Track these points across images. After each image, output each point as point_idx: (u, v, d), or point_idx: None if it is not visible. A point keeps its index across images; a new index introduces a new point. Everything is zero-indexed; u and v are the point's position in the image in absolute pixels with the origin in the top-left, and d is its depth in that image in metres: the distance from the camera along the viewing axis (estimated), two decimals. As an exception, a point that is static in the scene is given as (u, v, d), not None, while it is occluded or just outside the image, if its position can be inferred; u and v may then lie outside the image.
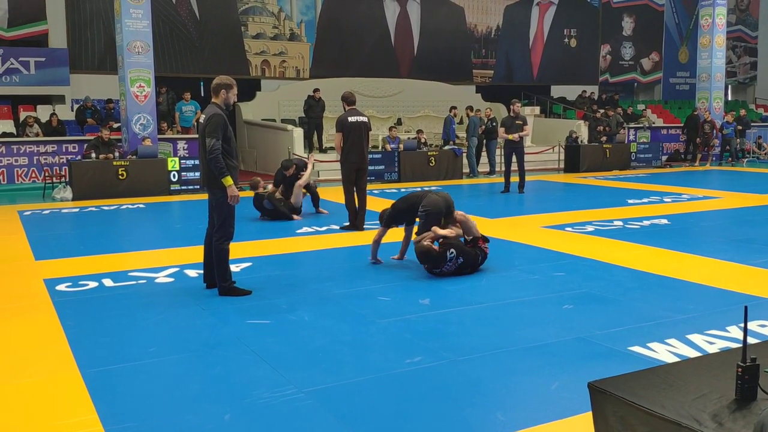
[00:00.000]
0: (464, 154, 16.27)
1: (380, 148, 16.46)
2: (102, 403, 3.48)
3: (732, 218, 9.40)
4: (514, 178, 12.76)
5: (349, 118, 8.40)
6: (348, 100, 8.61)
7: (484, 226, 8.06)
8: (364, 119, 8.57)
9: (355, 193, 8.61)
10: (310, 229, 8.71)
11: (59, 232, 9.24)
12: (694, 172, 17.39)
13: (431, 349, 4.24)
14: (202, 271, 5.87)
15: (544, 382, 3.71)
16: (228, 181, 5.34)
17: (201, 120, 5.46)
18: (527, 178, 13.06)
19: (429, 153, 15.68)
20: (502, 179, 13.37)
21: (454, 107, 17.64)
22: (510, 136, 12.52)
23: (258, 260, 6.89)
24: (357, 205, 8.59)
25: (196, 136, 15.27)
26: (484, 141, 16.68)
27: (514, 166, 12.74)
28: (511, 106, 12.94)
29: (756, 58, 28.28)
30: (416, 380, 3.76)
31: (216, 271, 5.57)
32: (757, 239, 7.76)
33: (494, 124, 16.77)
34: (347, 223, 8.66)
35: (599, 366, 3.81)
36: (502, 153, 16.71)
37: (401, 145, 15.53)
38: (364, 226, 8.55)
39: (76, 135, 15.22)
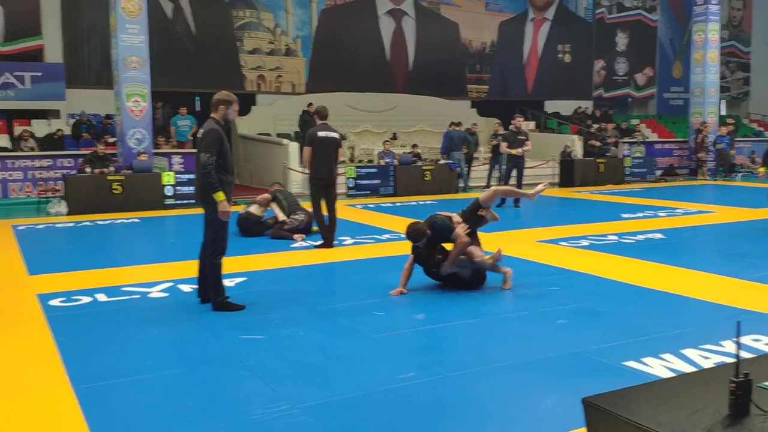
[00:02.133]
0: (458, 169, 16.31)
1: (375, 162, 16.51)
2: (94, 419, 3.46)
3: (726, 232, 9.42)
4: None
5: (319, 133, 8.16)
6: (320, 114, 8.38)
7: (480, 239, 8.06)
8: (335, 135, 8.34)
9: (325, 208, 8.34)
10: (304, 244, 8.69)
11: (53, 246, 9.21)
12: (689, 186, 17.45)
13: (425, 364, 4.23)
14: (196, 286, 5.85)
15: (538, 398, 3.70)
16: (220, 196, 5.32)
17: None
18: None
19: (424, 167, 15.70)
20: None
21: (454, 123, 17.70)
22: (514, 151, 12.60)
23: (252, 275, 6.87)
24: (328, 221, 8.38)
25: (192, 150, 15.44)
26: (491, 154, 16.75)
27: (512, 180, 12.71)
28: (513, 121, 13.00)
29: (749, 74, 28.47)
30: (410, 396, 3.75)
31: (209, 286, 5.55)
32: (750, 253, 7.78)
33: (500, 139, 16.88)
34: (321, 242, 8.38)
35: (594, 381, 3.80)
36: (495, 167, 16.86)
37: (396, 160, 15.56)
38: (334, 242, 8.39)
39: (72, 149, 15.22)
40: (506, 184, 12.72)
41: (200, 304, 5.69)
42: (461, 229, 6.02)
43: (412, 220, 6.36)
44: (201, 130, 5.54)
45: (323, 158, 8.15)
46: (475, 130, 17.80)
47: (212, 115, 5.55)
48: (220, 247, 5.52)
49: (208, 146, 5.31)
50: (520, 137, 12.69)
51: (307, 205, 8.94)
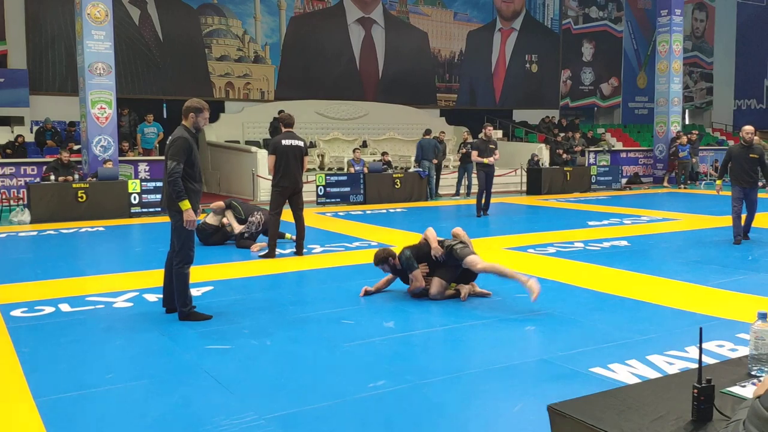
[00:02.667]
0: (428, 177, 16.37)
1: (345, 170, 16.50)
2: (56, 432, 3.39)
3: (690, 239, 9.58)
4: (472, 201, 12.84)
5: (283, 141, 8.06)
6: (285, 122, 8.29)
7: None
8: (299, 143, 8.20)
9: (292, 218, 8.31)
10: (263, 253, 8.62)
11: (15, 256, 9.02)
12: (654, 194, 17.73)
13: (395, 372, 4.22)
14: (161, 296, 5.77)
15: (506, 405, 3.72)
16: (185, 205, 5.28)
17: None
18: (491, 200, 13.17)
19: (394, 175, 15.73)
20: (462, 202, 13.45)
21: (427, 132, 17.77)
22: (486, 160, 12.56)
23: (219, 284, 6.81)
24: (296, 229, 8.34)
25: (159, 158, 15.29)
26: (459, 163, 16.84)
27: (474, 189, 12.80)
28: (484, 130, 12.95)
29: (712, 84, 29.09)
30: (379, 404, 3.74)
31: (176, 296, 5.48)
32: (714, 260, 7.92)
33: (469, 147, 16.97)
34: (266, 251, 8.27)
35: (561, 387, 3.82)
36: (464, 175, 16.94)
37: (366, 168, 15.57)
38: (303, 250, 8.39)
39: (36, 157, 14.96)
40: (480, 194, 12.63)
41: (165, 314, 5.62)
42: (418, 273, 6.05)
43: (382, 229, 6.36)
44: (170, 138, 5.47)
45: (288, 166, 8.07)
46: (443, 138, 17.90)
47: (183, 122, 5.49)
48: (187, 257, 5.46)
49: (175, 154, 5.25)
50: (490, 146, 12.70)
51: None
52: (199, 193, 5.49)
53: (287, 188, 8.13)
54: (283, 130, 8.29)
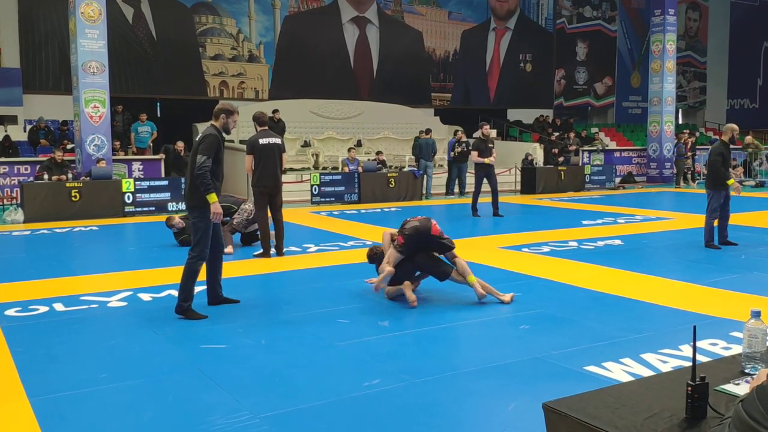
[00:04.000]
0: (423, 176, 16.38)
1: (340, 169, 16.50)
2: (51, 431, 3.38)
3: (683, 239, 9.61)
4: (466, 200, 12.68)
5: (260, 140, 8.01)
6: (259, 120, 8.19)
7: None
8: (277, 141, 8.17)
9: (271, 217, 8.23)
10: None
11: (9, 255, 8.99)
12: (647, 193, 17.78)
13: (389, 371, 4.22)
14: (155, 295, 5.75)
15: (501, 403, 3.72)
16: (212, 198, 5.43)
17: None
18: (486, 200, 12.99)
19: (389, 174, 15.74)
20: (458, 201, 13.40)
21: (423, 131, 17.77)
22: (486, 161, 12.19)
23: (215, 283, 6.79)
24: (274, 230, 8.25)
25: (152, 157, 15.26)
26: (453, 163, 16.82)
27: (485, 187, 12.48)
28: (481, 129, 12.66)
29: (705, 83, 29.19)
30: (374, 403, 3.74)
31: (180, 288, 5.51)
32: (707, 259, 7.95)
33: (469, 147, 16.93)
34: (261, 251, 8.20)
35: (555, 386, 3.83)
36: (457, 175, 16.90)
37: (361, 167, 15.56)
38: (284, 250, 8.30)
39: (29, 156, 14.90)
40: (477, 194, 12.45)
41: (208, 305, 5.74)
42: (386, 264, 5.96)
43: (377, 228, 6.37)
44: (200, 134, 5.61)
45: (267, 165, 7.99)
46: (433, 137, 17.67)
47: (213, 123, 5.67)
48: (202, 252, 5.54)
49: (205, 149, 5.43)
50: (489, 145, 12.35)
51: None
52: (218, 191, 5.62)
53: (267, 187, 8.06)
54: (258, 129, 8.16)
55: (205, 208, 5.47)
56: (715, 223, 8.68)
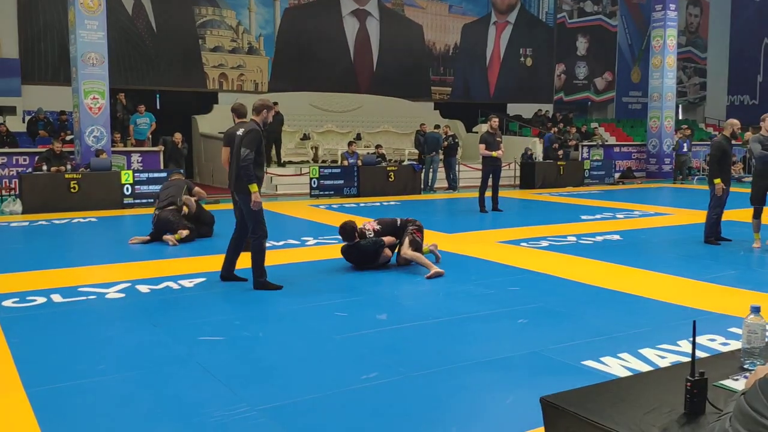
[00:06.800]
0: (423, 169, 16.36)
1: (339, 162, 16.47)
2: (48, 422, 3.37)
3: (682, 234, 9.61)
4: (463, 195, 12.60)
5: (238, 132, 8.02)
6: (238, 112, 8.04)
7: (442, 240, 8.10)
8: None
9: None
10: (266, 244, 8.59)
11: (7, 246, 8.98)
12: (646, 189, 17.77)
13: (387, 364, 4.22)
14: (153, 287, 5.74)
15: (498, 397, 3.72)
16: (254, 187, 6.00)
17: (239, 132, 6.15)
18: (486, 194, 12.92)
19: (388, 168, 15.72)
20: (458, 195, 13.36)
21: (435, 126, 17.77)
22: (494, 153, 12.02)
23: (211, 275, 6.78)
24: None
25: (151, 148, 15.23)
26: (443, 157, 16.78)
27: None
28: (490, 122, 12.47)
29: (705, 79, 29.14)
30: (372, 396, 3.74)
31: (253, 268, 6.13)
32: (705, 255, 7.95)
33: (456, 140, 16.90)
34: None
35: (553, 380, 3.83)
36: (453, 170, 16.85)
37: (360, 160, 15.54)
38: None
39: (28, 147, 14.86)
40: (484, 189, 12.29)
41: (220, 281, 6.31)
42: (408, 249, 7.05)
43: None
44: (241, 129, 6.14)
45: None
46: (425, 130, 17.58)
47: (253, 118, 6.23)
48: (263, 231, 6.17)
49: (249, 143, 5.98)
50: (497, 139, 12.15)
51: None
52: (262, 179, 6.21)
53: None
54: (237, 120, 8.10)
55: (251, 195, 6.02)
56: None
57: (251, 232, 6.20)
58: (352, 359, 4.35)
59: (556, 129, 19.66)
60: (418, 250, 7.05)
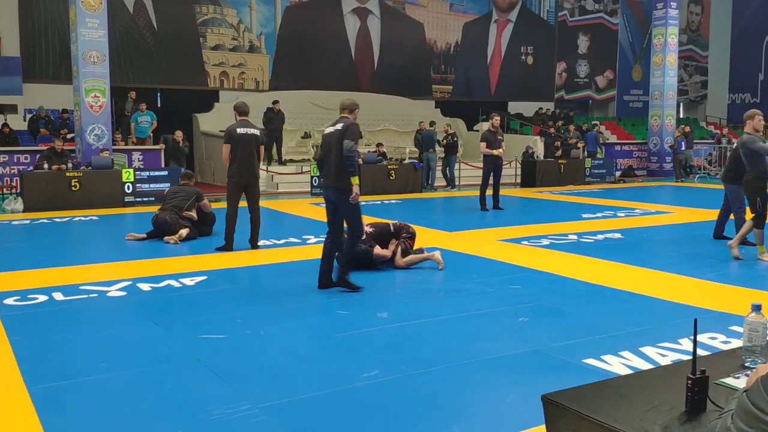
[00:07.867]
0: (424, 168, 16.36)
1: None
2: (49, 420, 3.37)
3: (683, 233, 9.60)
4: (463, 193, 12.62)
5: (238, 130, 7.88)
6: (239, 110, 8.05)
7: (442, 239, 8.11)
8: (255, 132, 8.02)
9: (247, 211, 8.13)
10: (267, 243, 8.62)
11: (9, 244, 8.99)
12: (647, 187, 17.77)
13: (388, 362, 4.22)
14: (155, 285, 5.75)
15: (499, 395, 3.72)
16: (356, 180, 6.01)
17: (327, 130, 6.26)
18: (487, 192, 12.90)
19: (389, 166, 15.71)
20: (459, 193, 13.36)
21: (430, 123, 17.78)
22: (495, 152, 12.00)
23: (212, 274, 6.79)
24: (250, 223, 8.11)
25: (152, 147, 15.23)
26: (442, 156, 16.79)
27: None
28: (491, 120, 12.43)
29: (706, 77, 29.11)
30: (373, 394, 3.74)
31: (341, 263, 6.14)
32: (707, 253, 7.94)
33: (455, 139, 16.90)
34: (223, 245, 8.06)
35: (554, 378, 3.83)
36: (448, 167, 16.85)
37: (361, 159, 15.53)
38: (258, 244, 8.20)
39: (29, 145, 14.87)
40: (485, 187, 12.27)
41: (318, 289, 6.07)
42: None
43: (377, 220, 6.39)
44: (340, 125, 6.11)
45: (243, 156, 7.86)
46: (423, 129, 17.59)
47: (347, 115, 6.25)
48: (360, 231, 6.21)
49: (352, 136, 6.02)
50: (499, 137, 12.12)
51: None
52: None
53: (243, 177, 7.93)
54: (238, 118, 8.03)
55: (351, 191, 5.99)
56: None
57: (351, 230, 6.15)
58: (354, 357, 4.35)
59: (553, 129, 19.62)
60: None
